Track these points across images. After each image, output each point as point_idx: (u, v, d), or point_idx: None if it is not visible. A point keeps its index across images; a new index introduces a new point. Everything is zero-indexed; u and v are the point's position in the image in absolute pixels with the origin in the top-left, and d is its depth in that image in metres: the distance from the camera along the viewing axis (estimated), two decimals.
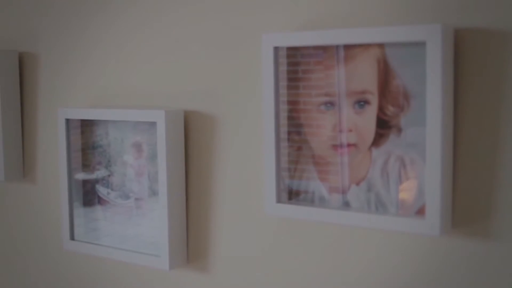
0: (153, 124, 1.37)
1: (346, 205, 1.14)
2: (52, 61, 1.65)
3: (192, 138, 1.38)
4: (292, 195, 1.20)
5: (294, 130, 1.19)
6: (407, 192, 1.08)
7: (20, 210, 1.76)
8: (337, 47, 1.13)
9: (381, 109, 1.09)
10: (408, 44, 1.05)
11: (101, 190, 1.50)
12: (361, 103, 1.11)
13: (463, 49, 1.04)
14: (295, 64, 1.18)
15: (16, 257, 1.79)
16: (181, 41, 1.39)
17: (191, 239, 1.39)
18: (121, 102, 1.50)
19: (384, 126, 1.09)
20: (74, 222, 1.55)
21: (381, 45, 1.08)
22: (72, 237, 1.55)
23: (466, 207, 1.05)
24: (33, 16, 1.68)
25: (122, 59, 1.49)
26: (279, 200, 1.20)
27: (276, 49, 1.18)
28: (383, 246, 1.14)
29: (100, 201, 1.51)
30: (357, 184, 1.13)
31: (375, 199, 1.11)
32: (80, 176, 1.54)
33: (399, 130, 1.07)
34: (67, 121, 1.52)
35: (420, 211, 1.06)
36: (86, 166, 1.53)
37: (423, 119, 1.04)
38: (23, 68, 1.71)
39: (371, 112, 1.10)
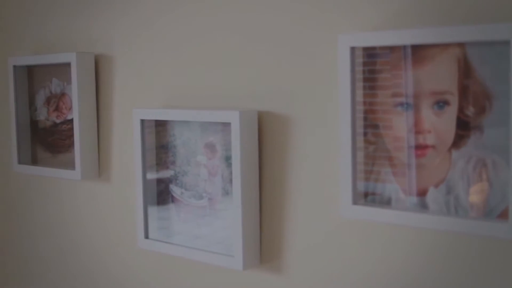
0: (227, 125, 1.38)
1: (423, 207, 1.12)
2: (127, 63, 1.67)
3: (265, 139, 1.38)
4: (368, 197, 1.19)
5: (370, 131, 1.17)
6: (488, 195, 1.05)
7: (96, 209, 1.80)
8: (415, 46, 1.11)
9: (461, 110, 1.06)
10: (490, 43, 1.02)
11: (175, 189, 1.52)
12: (441, 104, 1.09)
13: None
14: (372, 64, 1.16)
15: (92, 254, 1.83)
16: (255, 41, 1.39)
17: (264, 239, 1.39)
18: (194, 103, 1.51)
19: (464, 127, 1.06)
20: (148, 221, 1.57)
21: (461, 45, 1.05)
22: (146, 236, 1.58)
23: None
24: (108, 20, 1.71)
25: (196, 59, 1.50)
26: (355, 202, 1.19)
27: (353, 49, 1.16)
28: (462, 250, 1.11)
29: (174, 200, 1.53)
30: (436, 186, 1.10)
31: (454, 202, 1.08)
32: (154, 175, 1.56)
33: (481, 131, 1.04)
34: (142, 121, 1.54)
35: (503, 215, 1.03)
36: (160, 166, 1.55)
37: (506, 120, 1.01)
38: (99, 70, 1.75)
39: (451, 113, 1.07)
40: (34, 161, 1.93)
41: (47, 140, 1.88)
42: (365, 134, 1.18)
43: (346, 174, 1.19)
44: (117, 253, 1.75)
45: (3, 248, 2.14)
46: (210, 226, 1.45)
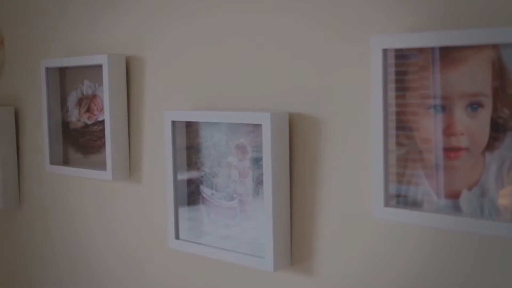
0: (257, 126, 1.38)
1: (457, 210, 1.12)
2: (158, 65, 1.69)
3: (296, 140, 1.39)
4: (400, 199, 1.19)
5: (402, 133, 1.17)
6: None
7: (126, 209, 1.82)
8: (448, 48, 1.10)
9: (495, 112, 1.06)
10: None
11: (205, 191, 1.53)
12: (474, 106, 1.08)
13: None
14: (404, 66, 1.16)
15: (122, 255, 1.85)
16: (286, 42, 1.39)
17: (295, 241, 1.40)
18: (225, 104, 1.52)
19: (499, 130, 1.06)
20: (178, 221, 1.59)
21: (495, 46, 1.05)
22: (177, 236, 1.59)
23: None
24: (139, 22, 1.73)
25: (227, 61, 1.51)
26: (386, 204, 1.19)
27: (385, 51, 1.16)
28: (496, 253, 1.11)
29: (204, 201, 1.54)
30: (469, 189, 1.10)
31: (488, 204, 1.08)
32: (185, 177, 1.57)
33: None
34: (173, 123, 1.56)
35: None
36: (190, 167, 1.56)
37: None
38: (130, 71, 1.76)
39: (485, 115, 1.07)
40: (66, 162, 1.95)
41: (78, 141, 1.90)
42: (397, 136, 1.18)
43: (378, 176, 1.18)
44: (148, 253, 1.76)
45: (35, 248, 2.16)
46: (240, 227, 1.46)
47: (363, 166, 1.27)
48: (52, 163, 1.95)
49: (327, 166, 1.33)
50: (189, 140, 1.55)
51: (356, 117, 1.28)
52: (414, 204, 1.17)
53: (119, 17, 1.78)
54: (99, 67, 1.76)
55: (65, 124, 1.94)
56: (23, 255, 2.21)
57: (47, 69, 1.92)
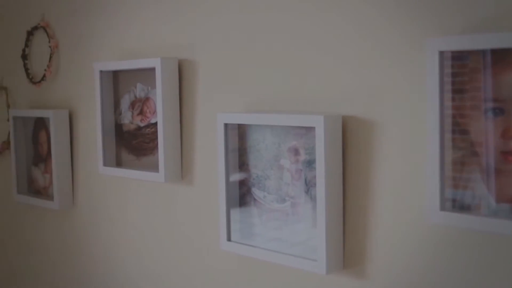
0: (310, 129, 1.38)
1: None
2: (210, 67, 1.70)
3: (350, 143, 1.38)
4: (456, 203, 1.17)
5: (459, 136, 1.16)
6: None
7: (178, 211, 1.84)
8: (505, 50, 1.08)
9: None
10: None
11: (257, 193, 1.53)
12: None
13: None
14: (461, 68, 1.14)
15: (174, 256, 1.87)
16: (340, 45, 1.39)
17: (347, 244, 1.39)
18: (276, 107, 1.52)
19: None
20: (230, 223, 1.59)
21: None
22: (228, 238, 1.60)
23: None
24: (191, 25, 1.74)
25: (279, 63, 1.51)
26: (442, 208, 1.17)
27: (441, 53, 1.15)
28: None
29: (256, 203, 1.54)
30: None
31: None
32: (237, 178, 1.58)
33: None
34: (225, 125, 1.57)
35: None
36: (242, 169, 1.56)
37: None
38: (182, 74, 1.78)
39: None
40: (119, 164, 1.98)
41: (131, 143, 1.93)
42: (453, 139, 1.16)
43: (433, 179, 1.17)
44: (199, 255, 1.77)
45: (87, 247, 2.20)
46: (292, 229, 1.46)
47: (417, 169, 1.26)
48: (105, 164, 1.98)
49: (381, 169, 1.33)
50: (241, 142, 1.56)
51: (411, 120, 1.27)
52: (470, 208, 1.16)
53: (171, 20, 1.80)
54: (152, 70, 1.78)
55: (118, 127, 1.97)
56: (76, 254, 2.25)
57: (101, 72, 1.96)
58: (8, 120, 2.44)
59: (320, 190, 1.35)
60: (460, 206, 1.17)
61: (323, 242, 1.35)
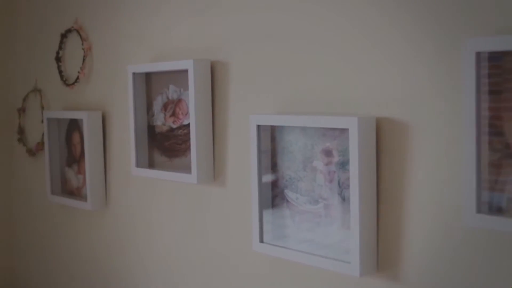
0: (344, 131, 1.38)
1: None
2: (242, 69, 1.70)
3: (383, 145, 1.37)
4: (493, 206, 1.16)
5: (495, 138, 1.14)
6: None
7: (211, 212, 1.84)
8: None
9: None
10: None
11: (290, 194, 1.53)
12: None
13: None
14: (497, 69, 1.13)
15: (207, 257, 1.87)
16: (373, 45, 1.38)
17: (381, 246, 1.38)
18: (309, 108, 1.52)
19: None
20: (263, 224, 1.59)
21: None
22: (261, 240, 1.60)
23: None
24: (223, 27, 1.75)
25: (312, 65, 1.51)
26: (479, 211, 1.16)
27: (478, 54, 1.14)
28: None
29: (288, 205, 1.54)
30: None
31: None
32: (269, 180, 1.58)
33: None
34: (258, 127, 1.57)
35: None
36: (274, 170, 1.56)
37: None
38: (215, 76, 1.79)
39: None
40: (151, 165, 2.00)
41: (163, 144, 1.94)
42: (489, 141, 1.15)
43: (470, 181, 1.16)
44: (231, 256, 1.78)
45: (120, 247, 2.22)
46: (325, 231, 1.46)
47: (453, 172, 1.25)
48: (138, 166, 1.99)
49: (416, 170, 1.32)
50: (273, 144, 1.56)
51: (446, 121, 1.25)
52: (506, 211, 1.14)
53: (204, 22, 1.81)
54: (184, 72, 1.79)
55: (151, 128, 1.99)
56: (108, 254, 2.27)
57: (133, 74, 1.97)
58: (42, 121, 2.48)
59: (354, 191, 1.34)
60: (496, 209, 1.15)
61: (357, 244, 1.35)
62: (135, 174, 2.00)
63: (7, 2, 2.70)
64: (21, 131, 2.66)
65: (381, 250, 1.38)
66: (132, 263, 2.17)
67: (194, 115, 1.76)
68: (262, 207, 1.59)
